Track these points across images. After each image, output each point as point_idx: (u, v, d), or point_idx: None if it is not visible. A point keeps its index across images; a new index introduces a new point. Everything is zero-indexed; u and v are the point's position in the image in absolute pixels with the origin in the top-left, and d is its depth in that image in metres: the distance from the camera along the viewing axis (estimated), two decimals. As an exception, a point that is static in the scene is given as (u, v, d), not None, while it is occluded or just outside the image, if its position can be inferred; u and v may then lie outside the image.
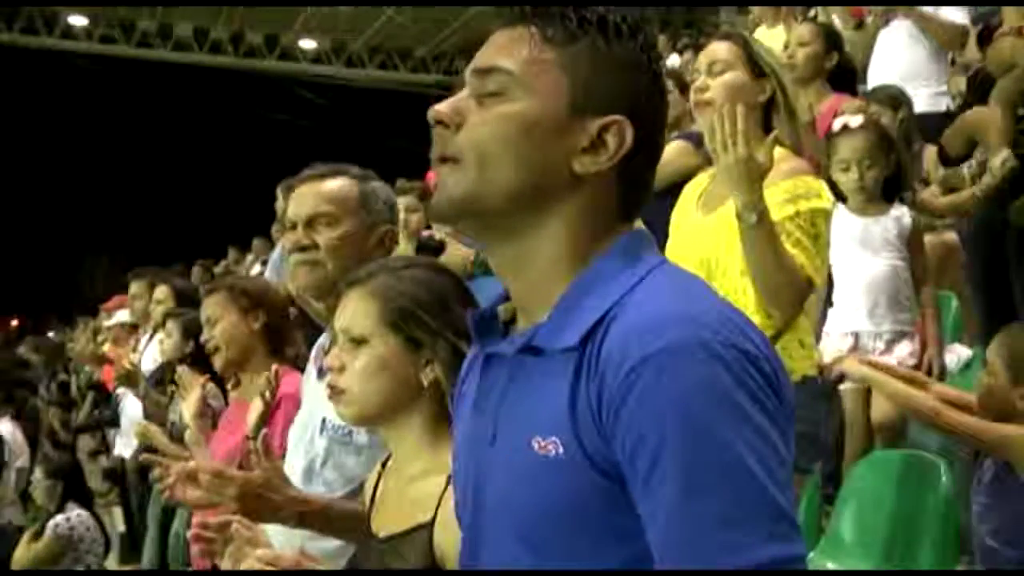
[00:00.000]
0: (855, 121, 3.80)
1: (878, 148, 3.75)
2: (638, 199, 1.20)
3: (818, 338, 3.48)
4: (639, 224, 1.23)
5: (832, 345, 3.62)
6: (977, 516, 2.73)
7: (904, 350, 3.65)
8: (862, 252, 3.74)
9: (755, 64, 2.53)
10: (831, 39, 4.47)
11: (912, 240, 3.73)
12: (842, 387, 3.59)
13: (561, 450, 1.06)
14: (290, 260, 2.30)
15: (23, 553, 4.95)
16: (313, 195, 2.27)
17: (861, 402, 3.62)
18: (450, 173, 1.15)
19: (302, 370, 2.89)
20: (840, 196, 3.72)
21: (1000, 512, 2.65)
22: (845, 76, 4.47)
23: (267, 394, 2.76)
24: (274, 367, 2.88)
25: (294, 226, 2.27)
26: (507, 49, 1.17)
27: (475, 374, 1.25)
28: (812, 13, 7.42)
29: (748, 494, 0.97)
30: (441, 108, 1.17)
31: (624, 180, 1.17)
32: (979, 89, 3.73)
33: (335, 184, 2.29)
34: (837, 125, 3.84)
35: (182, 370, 3.40)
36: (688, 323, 1.03)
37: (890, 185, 3.79)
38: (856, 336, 3.70)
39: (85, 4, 18.15)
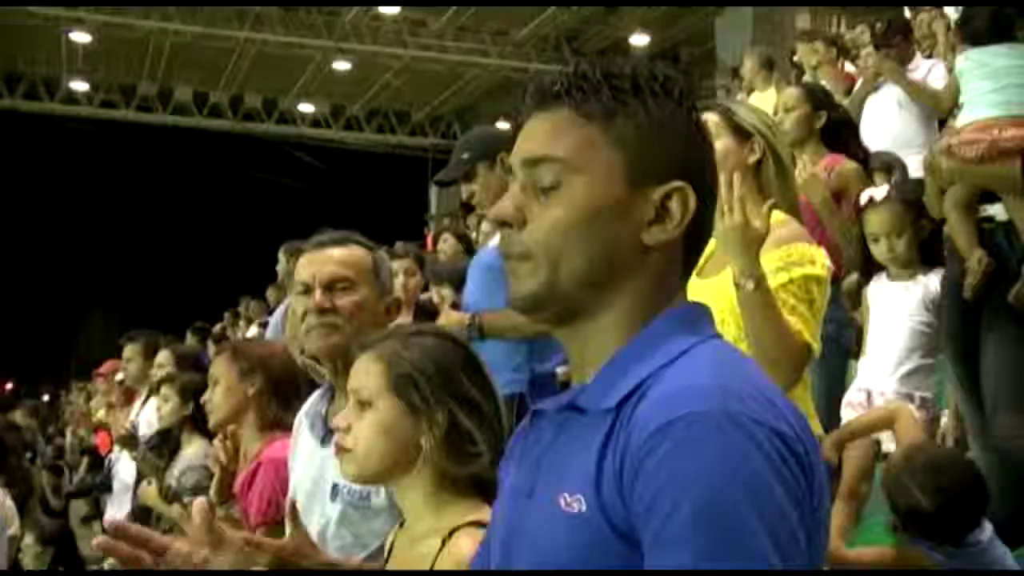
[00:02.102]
0: (880, 194, 3.85)
1: (904, 217, 3.78)
2: (699, 255, 1.20)
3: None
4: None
5: (850, 404, 3.73)
6: None
7: None
8: (890, 315, 3.79)
9: (740, 129, 2.54)
10: (817, 98, 4.47)
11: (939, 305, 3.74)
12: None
13: (584, 508, 1.05)
14: (306, 323, 2.30)
15: None
16: (332, 260, 2.31)
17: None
18: (522, 267, 1.16)
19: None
20: (880, 265, 3.82)
21: None
22: (842, 130, 4.47)
23: (222, 457, 2.80)
24: (229, 429, 2.89)
25: (306, 290, 2.29)
26: (551, 134, 1.16)
27: (524, 432, 1.26)
28: (804, 78, 7.49)
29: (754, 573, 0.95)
30: (502, 209, 1.17)
31: (688, 241, 1.17)
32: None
33: (351, 252, 2.34)
34: (864, 199, 3.89)
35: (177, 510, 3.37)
36: (719, 394, 1.02)
37: (927, 249, 3.80)
38: (868, 393, 3.73)
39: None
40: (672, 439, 0.99)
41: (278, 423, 2.94)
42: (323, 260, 2.32)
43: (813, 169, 4.18)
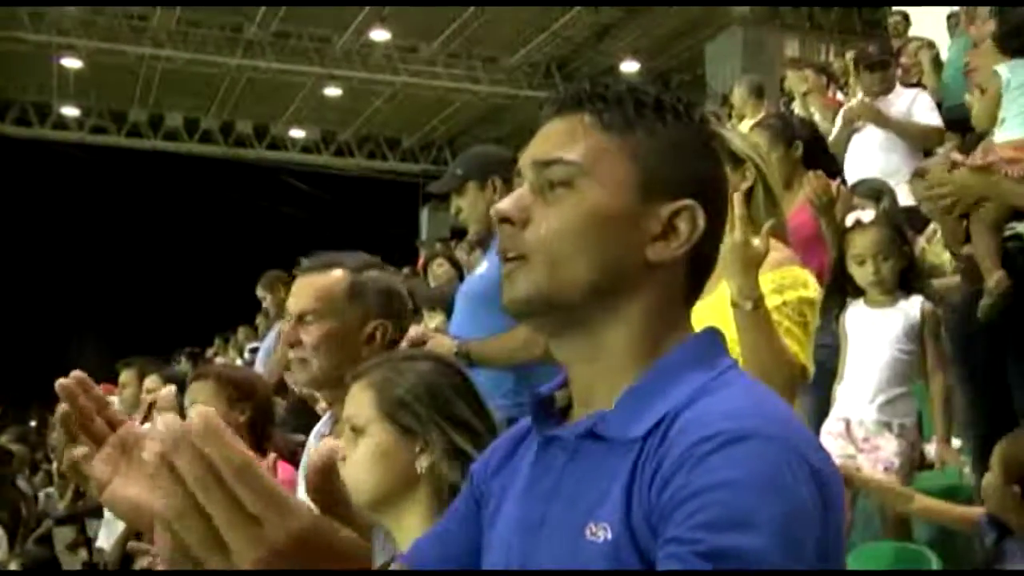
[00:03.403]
0: (867, 216, 3.85)
1: (891, 241, 3.80)
2: (703, 282, 1.19)
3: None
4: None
5: (829, 431, 3.73)
6: None
7: (889, 447, 3.65)
8: (869, 343, 3.78)
9: (734, 155, 2.55)
10: (786, 133, 4.47)
11: (922, 332, 3.74)
12: None
13: (610, 535, 1.02)
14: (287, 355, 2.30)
15: None
16: (304, 291, 2.27)
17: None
18: (518, 271, 1.13)
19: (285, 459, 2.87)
20: (857, 290, 3.82)
21: None
22: (815, 149, 4.48)
23: None
24: (272, 456, 2.90)
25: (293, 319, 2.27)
26: (566, 139, 1.14)
27: (524, 457, 1.21)
28: (794, 104, 7.55)
29: None
30: (505, 206, 1.14)
31: (694, 264, 1.15)
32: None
33: (325, 279, 2.27)
34: (850, 221, 3.90)
35: None
36: (754, 417, 1.01)
37: (906, 276, 3.82)
38: (847, 422, 3.73)
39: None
40: (708, 452, 0.97)
41: (264, 447, 2.95)
42: (298, 290, 2.28)
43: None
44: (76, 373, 1.22)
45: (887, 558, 3.24)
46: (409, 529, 1.78)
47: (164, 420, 0.70)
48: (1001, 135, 3.20)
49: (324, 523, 0.74)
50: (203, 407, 0.71)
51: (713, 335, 1.17)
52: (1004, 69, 3.19)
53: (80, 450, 1.19)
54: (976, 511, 2.85)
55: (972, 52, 3.60)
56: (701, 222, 1.12)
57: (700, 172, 1.15)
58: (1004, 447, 2.72)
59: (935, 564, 3.02)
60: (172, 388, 1.44)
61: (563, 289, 1.11)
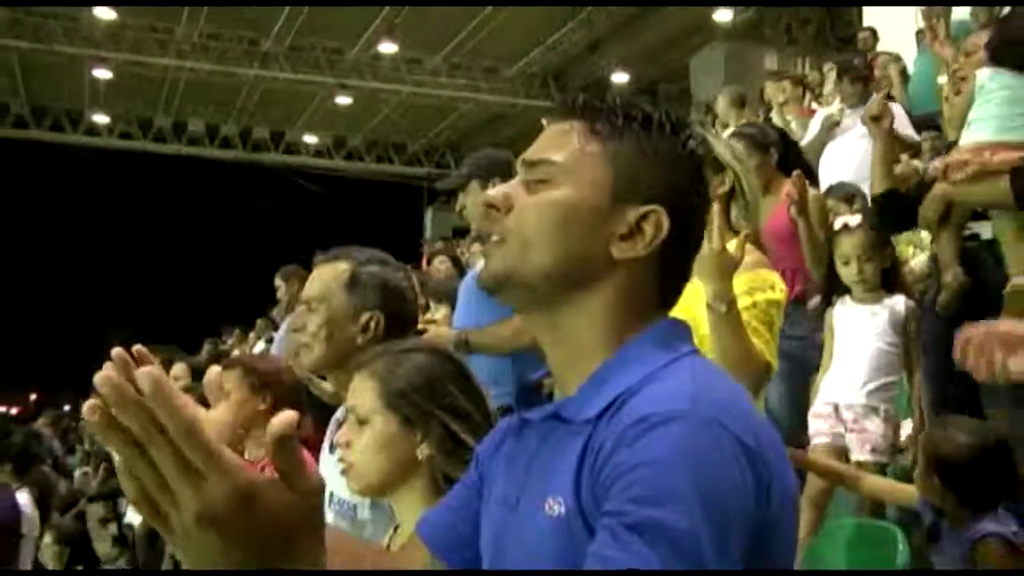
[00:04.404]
0: (854, 221, 3.87)
1: (875, 244, 3.82)
2: (676, 286, 1.19)
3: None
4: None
5: (818, 416, 3.79)
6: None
7: (876, 430, 3.70)
8: (857, 336, 3.81)
9: (716, 161, 2.54)
10: (762, 142, 4.46)
11: (905, 328, 3.75)
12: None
13: (563, 511, 1.04)
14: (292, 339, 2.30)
15: None
16: (313, 280, 2.26)
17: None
18: (495, 250, 1.16)
19: (303, 443, 2.86)
20: (844, 288, 3.85)
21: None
22: (788, 154, 4.48)
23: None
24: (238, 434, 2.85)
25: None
26: (556, 142, 1.17)
27: (513, 439, 1.24)
28: (772, 114, 7.54)
29: (684, 559, 0.92)
30: (494, 193, 1.18)
31: (662, 267, 1.16)
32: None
33: (329, 269, 2.26)
34: (838, 225, 3.92)
35: None
36: (692, 399, 1.01)
37: (888, 276, 3.84)
38: (836, 406, 3.77)
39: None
40: (641, 432, 0.98)
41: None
42: (310, 279, 2.28)
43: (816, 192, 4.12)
44: (138, 347, 1.24)
45: (853, 533, 3.25)
46: (408, 508, 1.78)
47: (107, 379, 0.72)
48: (967, 136, 3.16)
49: (262, 485, 0.75)
50: (154, 369, 0.72)
51: (674, 324, 1.18)
52: (984, 73, 3.13)
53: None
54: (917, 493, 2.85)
55: (965, 60, 3.49)
56: (665, 227, 1.14)
57: (673, 182, 1.16)
58: (924, 440, 2.73)
59: (900, 541, 3.01)
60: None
61: (529, 270, 1.13)
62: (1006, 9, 3.94)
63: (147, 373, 0.71)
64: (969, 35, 4.11)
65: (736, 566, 0.96)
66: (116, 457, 0.74)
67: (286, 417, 0.76)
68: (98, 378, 0.71)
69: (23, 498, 4.90)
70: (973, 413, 3.18)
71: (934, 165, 3.19)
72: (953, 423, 2.76)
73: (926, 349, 3.44)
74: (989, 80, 3.14)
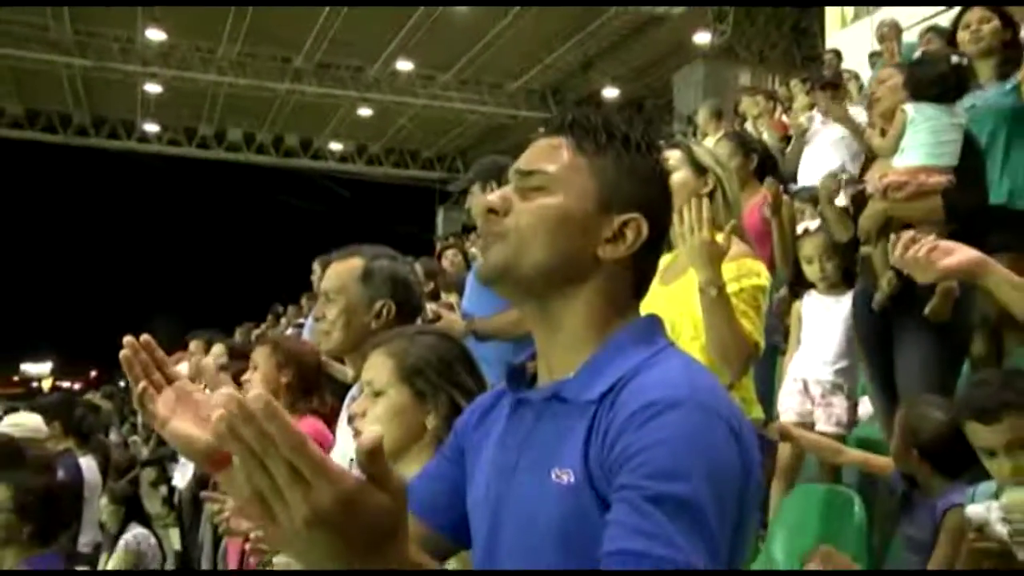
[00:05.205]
0: (813, 225, 3.89)
1: (832, 245, 3.83)
2: (647, 281, 1.20)
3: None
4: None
5: (788, 392, 3.81)
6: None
7: (840, 405, 3.73)
8: (824, 323, 3.82)
9: (699, 164, 2.54)
10: (746, 146, 4.46)
11: None
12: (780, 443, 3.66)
13: (573, 479, 1.04)
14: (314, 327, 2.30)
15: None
16: (330, 274, 2.26)
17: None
18: (494, 246, 1.16)
19: (323, 418, 2.85)
20: (810, 284, 3.88)
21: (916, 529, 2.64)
22: (766, 164, 4.48)
23: None
24: (297, 416, 2.83)
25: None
26: (547, 155, 1.17)
27: (500, 414, 1.24)
28: (747, 124, 7.52)
29: (695, 525, 0.93)
30: (492, 199, 1.18)
31: (637, 266, 1.17)
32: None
33: (344, 265, 2.26)
34: (800, 229, 3.93)
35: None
36: (690, 387, 1.03)
37: (849, 272, 3.85)
38: (805, 382, 3.78)
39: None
40: (651, 416, 0.99)
41: (301, 407, 2.92)
42: (327, 274, 2.27)
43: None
44: (145, 336, 1.29)
45: (819, 497, 3.25)
46: (414, 472, 1.77)
47: (228, 397, 0.73)
48: (900, 161, 3.23)
49: (362, 489, 0.76)
50: (261, 392, 0.73)
51: (653, 320, 1.19)
52: (911, 108, 3.23)
53: (142, 385, 1.29)
54: (891, 464, 2.84)
55: (879, 87, 3.58)
56: (645, 232, 1.15)
57: (650, 194, 1.17)
58: (903, 416, 2.71)
59: (858, 505, 3.01)
60: (209, 359, 1.48)
61: (524, 266, 1.13)
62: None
63: (259, 396, 0.73)
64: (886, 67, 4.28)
65: (728, 532, 0.97)
66: (237, 464, 0.75)
67: (373, 433, 0.78)
68: (221, 397, 0.73)
69: (86, 464, 4.91)
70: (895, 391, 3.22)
71: (874, 185, 3.25)
72: (925, 402, 2.76)
73: (864, 338, 3.47)
74: (916, 113, 3.23)
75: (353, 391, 2.32)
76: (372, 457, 0.77)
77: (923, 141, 3.19)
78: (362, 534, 0.76)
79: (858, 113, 5.81)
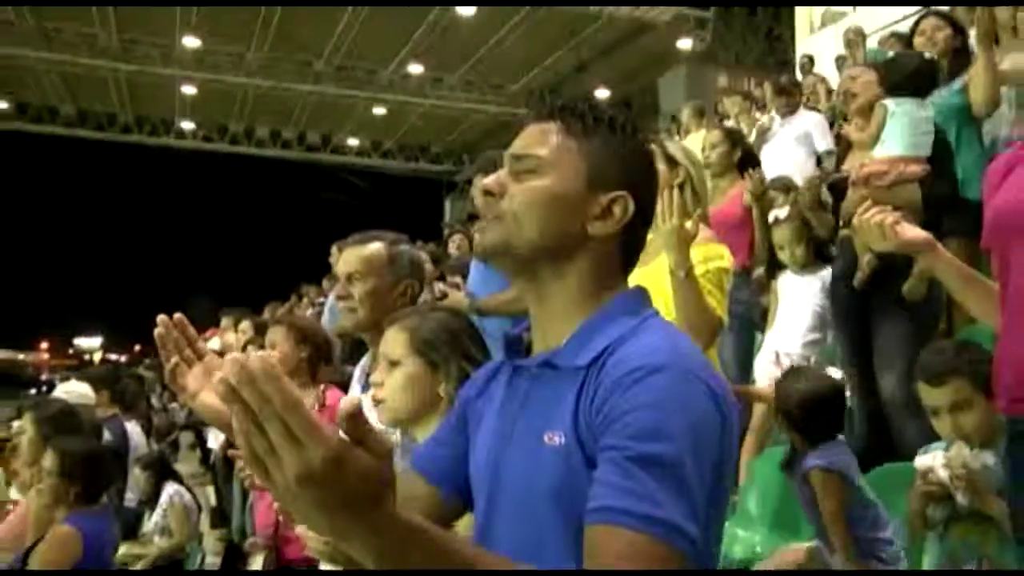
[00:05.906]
0: (783, 214, 3.87)
1: (800, 232, 3.82)
2: (635, 255, 1.17)
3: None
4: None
5: (762, 362, 3.79)
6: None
7: None
8: (796, 300, 3.81)
9: (670, 158, 2.52)
10: (735, 138, 4.44)
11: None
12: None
13: (563, 441, 1.02)
14: (338, 306, 2.27)
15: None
16: (352, 257, 2.21)
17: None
18: (491, 225, 1.13)
19: (340, 387, 2.84)
20: (783, 265, 3.89)
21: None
22: (749, 160, 4.46)
23: (315, 406, 2.71)
24: (321, 386, 2.83)
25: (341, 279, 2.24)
26: (538, 139, 1.13)
27: (499, 383, 1.20)
28: (728, 121, 7.48)
29: (676, 484, 0.91)
30: (489, 182, 1.15)
31: (625, 241, 1.14)
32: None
33: (369, 248, 2.21)
34: (771, 218, 3.91)
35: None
36: (675, 354, 1.00)
37: (820, 251, 3.85)
38: (777, 354, 3.76)
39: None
40: (637, 380, 0.97)
41: (323, 377, 2.92)
42: (346, 257, 2.22)
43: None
44: (177, 315, 1.29)
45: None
46: (428, 437, 1.77)
47: (232, 360, 0.71)
48: (882, 151, 3.20)
49: (350, 450, 0.74)
50: (264, 353, 0.72)
51: (639, 292, 1.15)
52: (890, 103, 3.19)
53: (174, 360, 1.31)
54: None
55: (853, 83, 3.54)
56: (631, 209, 1.12)
57: (635, 173, 1.14)
58: (774, 389, 2.70)
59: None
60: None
61: (519, 242, 1.11)
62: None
63: (260, 358, 0.71)
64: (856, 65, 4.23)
65: (707, 489, 0.95)
66: (235, 423, 0.73)
67: (351, 399, 0.76)
68: (230, 362, 0.71)
69: (131, 428, 4.91)
70: (868, 353, 3.21)
71: (856, 173, 3.22)
72: (796, 372, 2.74)
73: (841, 314, 3.45)
74: (895, 107, 3.20)
75: (363, 361, 2.31)
76: (352, 420, 0.75)
77: (901, 133, 3.16)
78: (350, 491, 0.74)
79: (810, 117, 5.80)
